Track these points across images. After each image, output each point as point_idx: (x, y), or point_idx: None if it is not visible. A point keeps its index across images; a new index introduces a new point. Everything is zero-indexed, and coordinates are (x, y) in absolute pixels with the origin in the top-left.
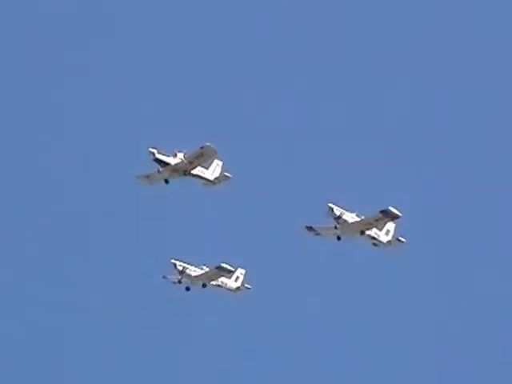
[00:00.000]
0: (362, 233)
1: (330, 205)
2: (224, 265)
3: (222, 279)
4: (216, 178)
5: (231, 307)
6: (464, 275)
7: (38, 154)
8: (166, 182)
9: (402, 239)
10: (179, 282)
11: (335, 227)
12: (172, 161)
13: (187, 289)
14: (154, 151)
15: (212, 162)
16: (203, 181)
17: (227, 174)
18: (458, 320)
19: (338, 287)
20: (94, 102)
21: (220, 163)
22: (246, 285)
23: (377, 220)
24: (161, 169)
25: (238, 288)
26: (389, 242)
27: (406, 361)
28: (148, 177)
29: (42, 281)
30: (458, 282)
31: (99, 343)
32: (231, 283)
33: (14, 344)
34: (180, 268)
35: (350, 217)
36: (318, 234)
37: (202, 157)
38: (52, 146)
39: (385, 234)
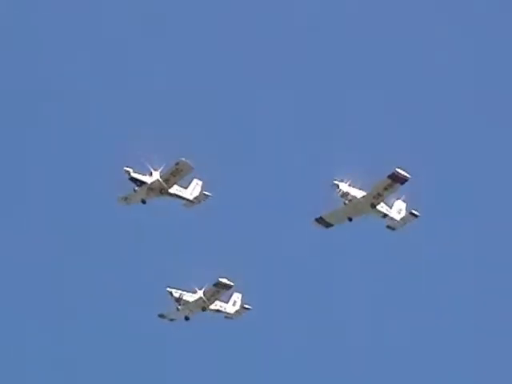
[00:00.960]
0: (373, 206)
1: (336, 182)
2: (222, 280)
3: (221, 304)
4: (195, 198)
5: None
6: None
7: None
8: (143, 202)
9: (416, 212)
10: (177, 309)
11: (344, 203)
12: (148, 179)
13: (186, 318)
14: (130, 170)
15: (191, 181)
16: (183, 201)
17: (207, 193)
18: None
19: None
20: None
21: (200, 182)
22: (245, 306)
23: (386, 188)
24: (137, 188)
25: (237, 311)
26: (402, 218)
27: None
28: (126, 198)
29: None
30: None
31: None
32: (230, 308)
33: None
34: (176, 295)
35: (358, 192)
36: (329, 226)
37: (179, 173)
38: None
39: (397, 212)
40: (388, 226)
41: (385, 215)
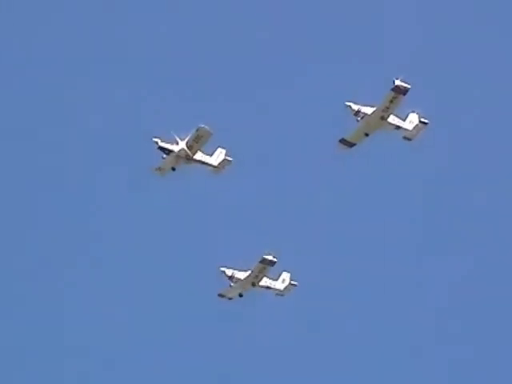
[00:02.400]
0: (383, 119)
1: (347, 103)
2: (266, 256)
3: (271, 281)
4: (219, 164)
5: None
6: None
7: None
8: (173, 169)
9: (425, 120)
10: (230, 286)
11: (357, 121)
12: (175, 148)
13: (240, 295)
14: (158, 140)
15: (215, 150)
16: (209, 167)
17: (229, 158)
18: None
19: None
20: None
21: (223, 151)
22: (292, 282)
23: (391, 101)
24: (165, 156)
25: (286, 288)
26: (415, 128)
27: None
28: (160, 169)
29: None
30: None
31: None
32: (279, 285)
33: None
34: (229, 274)
35: (369, 109)
36: (353, 145)
37: (200, 139)
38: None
39: (409, 123)
40: (404, 137)
41: (398, 127)
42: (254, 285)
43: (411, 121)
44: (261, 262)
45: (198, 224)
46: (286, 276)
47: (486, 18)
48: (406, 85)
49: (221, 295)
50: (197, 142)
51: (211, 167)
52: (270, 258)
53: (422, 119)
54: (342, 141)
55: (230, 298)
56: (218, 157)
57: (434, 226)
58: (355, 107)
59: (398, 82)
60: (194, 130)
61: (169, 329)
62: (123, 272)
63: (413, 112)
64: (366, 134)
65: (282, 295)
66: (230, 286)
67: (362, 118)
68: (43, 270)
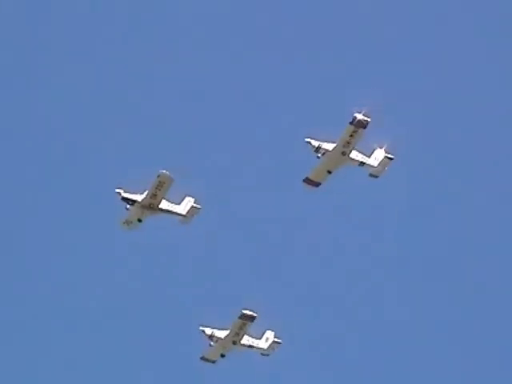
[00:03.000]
0: (345, 154)
1: (307, 139)
2: (245, 311)
3: (253, 340)
4: (188, 212)
5: None
6: None
7: None
8: (140, 221)
9: (391, 155)
10: (210, 345)
11: (318, 157)
12: (138, 197)
13: (222, 355)
14: (120, 191)
15: (183, 198)
16: (177, 216)
17: (197, 206)
18: None
19: None
20: None
21: (192, 200)
22: (276, 340)
23: (351, 135)
24: (128, 206)
25: (269, 346)
26: (380, 164)
27: None
28: (126, 222)
29: None
30: None
31: None
32: (262, 343)
33: None
34: (209, 333)
35: (329, 145)
36: (318, 185)
37: (162, 186)
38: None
39: (374, 159)
40: (370, 174)
41: (362, 163)
42: (235, 343)
43: (376, 157)
44: (240, 317)
45: (171, 279)
46: (269, 334)
47: (449, 46)
48: (365, 118)
49: (204, 358)
50: (159, 190)
51: (179, 216)
52: (249, 313)
53: (387, 154)
54: (307, 180)
55: (213, 362)
56: (186, 205)
57: (406, 264)
58: (315, 143)
59: (356, 115)
60: (155, 178)
61: None
62: (95, 336)
63: (380, 148)
64: (329, 172)
65: (267, 355)
66: (210, 345)
67: (323, 154)
68: None
